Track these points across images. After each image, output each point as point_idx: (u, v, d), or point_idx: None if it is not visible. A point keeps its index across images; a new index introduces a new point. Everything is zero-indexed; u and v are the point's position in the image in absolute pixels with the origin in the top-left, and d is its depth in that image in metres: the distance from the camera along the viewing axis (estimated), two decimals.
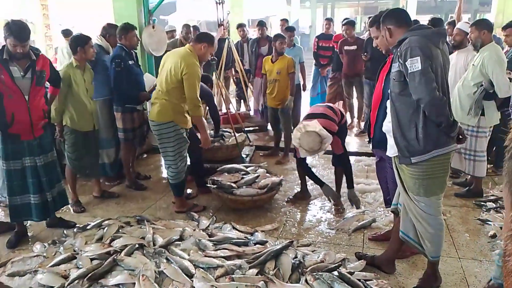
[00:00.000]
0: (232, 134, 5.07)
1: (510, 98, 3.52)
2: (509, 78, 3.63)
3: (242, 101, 7.41)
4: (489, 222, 3.43)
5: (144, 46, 5.17)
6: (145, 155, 5.59)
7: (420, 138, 2.22)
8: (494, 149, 4.59)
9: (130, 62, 4.17)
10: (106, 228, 3.22)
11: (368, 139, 3.08)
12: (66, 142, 3.79)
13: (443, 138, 2.25)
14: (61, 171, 3.64)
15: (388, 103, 2.39)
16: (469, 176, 4.19)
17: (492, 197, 3.91)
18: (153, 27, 5.24)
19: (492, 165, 4.58)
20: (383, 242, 3.18)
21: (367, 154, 5.29)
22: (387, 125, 2.41)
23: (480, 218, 3.57)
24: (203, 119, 3.84)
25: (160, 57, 5.57)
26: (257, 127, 5.98)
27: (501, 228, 3.28)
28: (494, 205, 3.74)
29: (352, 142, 6.06)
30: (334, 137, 3.44)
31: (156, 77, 4.68)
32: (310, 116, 3.58)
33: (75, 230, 3.35)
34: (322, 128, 3.27)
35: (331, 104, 3.95)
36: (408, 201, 2.40)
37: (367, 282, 2.52)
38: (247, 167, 4.25)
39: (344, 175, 3.84)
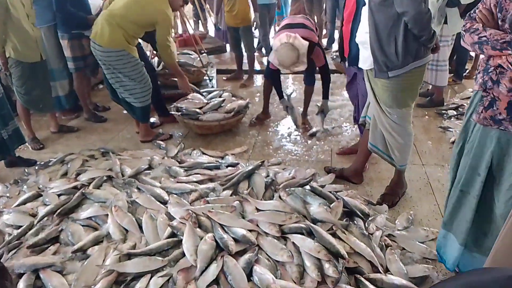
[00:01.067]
0: (197, 56, 4.82)
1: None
2: None
3: (199, 21, 7.02)
4: (450, 129, 3.57)
5: None
6: (101, 86, 5.29)
7: (399, 52, 2.13)
8: (454, 57, 4.65)
9: None
10: (69, 163, 3.10)
11: (338, 57, 2.99)
12: (12, 76, 3.46)
13: (421, 50, 2.18)
14: (12, 108, 3.38)
15: (364, 11, 2.25)
16: (431, 86, 4.27)
17: (452, 105, 4.04)
18: None
19: (452, 74, 4.67)
20: (350, 156, 3.25)
21: (332, 72, 5.24)
22: (362, 36, 2.29)
23: (442, 126, 3.70)
24: (176, 64, 3.67)
25: None
26: (215, 48, 5.70)
27: None
28: (455, 113, 3.87)
29: None
30: (316, 48, 3.32)
31: None
32: (289, 26, 3.37)
33: (36, 167, 3.20)
34: (302, 42, 3.09)
35: (305, 16, 3.75)
36: (379, 113, 2.39)
37: (338, 193, 2.59)
38: (209, 92, 4.12)
39: (323, 88, 3.70)
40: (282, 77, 3.78)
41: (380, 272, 2.00)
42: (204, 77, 4.80)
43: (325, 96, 3.67)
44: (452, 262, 1.88)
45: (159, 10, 3.26)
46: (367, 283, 1.91)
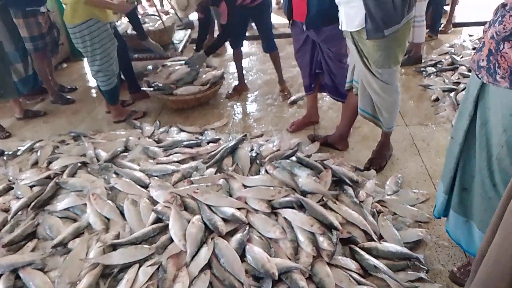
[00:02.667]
0: (158, 17, 4.42)
1: None
2: None
3: None
4: (431, 87, 3.52)
5: None
6: (64, 65, 5.00)
7: (398, 5, 2.00)
8: (429, 12, 4.55)
9: None
10: (39, 151, 2.90)
11: (290, 21, 2.69)
12: None
13: (411, 1, 2.08)
14: None
15: None
16: (408, 43, 4.18)
17: (431, 62, 3.98)
18: None
19: (428, 30, 4.58)
20: (333, 122, 3.18)
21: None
22: None
23: (422, 84, 3.65)
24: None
25: None
26: (184, 25, 5.29)
27: (443, 91, 3.38)
28: (434, 70, 3.82)
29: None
30: (221, 3, 3.14)
31: None
32: None
33: (4, 158, 2.99)
34: None
35: None
36: (368, 76, 2.28)
37: (324, 162, 2.53)
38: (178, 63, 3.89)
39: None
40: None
41: (374, 240, 1.97)
42: (168, 41, 4.42)
43: (206, 51, 3.49)
44: (436, 209, 1.83)
45: None
46: (362, 252, 1.87)
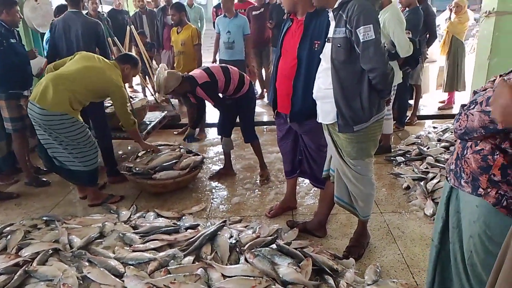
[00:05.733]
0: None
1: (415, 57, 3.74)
2: (408, 37, 3.84)
3: (147, 76, 6.95)
4: (401, 175, 3.68)
5: (27, 22, 4.48)
6: None
7: (365, 107, 2.20)
8: (395, 106, 4.91)
9: (12, 41, 3.58)
10: (9, 236, 2.77)
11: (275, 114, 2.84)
12: None
13: (381, 103, 2.28)
14: None
15: (324, 69, 2.28)
16: None
17: (399, 151, 4.21)
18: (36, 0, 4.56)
19: (395, 122, 4.90)
20: (311, 208, 3.23)
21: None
22: (321, 92, 2.32)
23: (393, 172, 3.82)
24: (137, 130, 3.60)
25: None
26: (172, 118, 5.42)
27: (413, 180, 3.54)
28: (403, 159, 4.03)
29: (266, 112, 6.10)
30: (197, 88, 3.39)
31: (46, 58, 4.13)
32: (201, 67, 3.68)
33: None
34: (167, 79, 3.38)
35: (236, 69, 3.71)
36: (343, 166, 2.41)
37: (304, 249, 2.52)
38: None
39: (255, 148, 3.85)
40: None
41: None
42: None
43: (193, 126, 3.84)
44: None
45: (111, 81, 3.22)
46: None
